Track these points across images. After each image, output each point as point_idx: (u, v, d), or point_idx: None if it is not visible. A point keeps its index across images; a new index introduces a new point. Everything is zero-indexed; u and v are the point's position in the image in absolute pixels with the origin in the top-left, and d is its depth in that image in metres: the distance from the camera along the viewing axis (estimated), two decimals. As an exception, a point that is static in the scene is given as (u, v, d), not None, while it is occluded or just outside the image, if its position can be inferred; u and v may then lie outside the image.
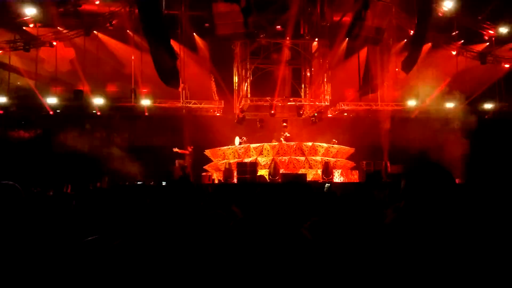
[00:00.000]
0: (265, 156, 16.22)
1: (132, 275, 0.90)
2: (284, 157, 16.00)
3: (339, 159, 16.75)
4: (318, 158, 16.21)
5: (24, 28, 17.62)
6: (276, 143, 16.65)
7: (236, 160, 16.26)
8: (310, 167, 16.02)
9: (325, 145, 16.73)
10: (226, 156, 17.07)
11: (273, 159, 15.70)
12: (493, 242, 1.68)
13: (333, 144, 17.30)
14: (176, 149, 17.00)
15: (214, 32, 16.59)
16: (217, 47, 18.65)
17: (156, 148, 19.39)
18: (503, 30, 18.61)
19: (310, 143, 16.56)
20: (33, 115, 18.16)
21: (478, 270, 1.59)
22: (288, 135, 17.50)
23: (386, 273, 1.74)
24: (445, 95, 18.57)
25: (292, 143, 16.57)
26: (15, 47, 17.31)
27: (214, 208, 3.31)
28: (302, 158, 16.16)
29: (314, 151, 16.42)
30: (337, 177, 16.30)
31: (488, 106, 19.51)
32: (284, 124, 18.65)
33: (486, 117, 19.69)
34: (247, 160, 16.08)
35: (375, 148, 19.13)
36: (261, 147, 16.40)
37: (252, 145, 16.61)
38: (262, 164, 15.76)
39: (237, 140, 17.27)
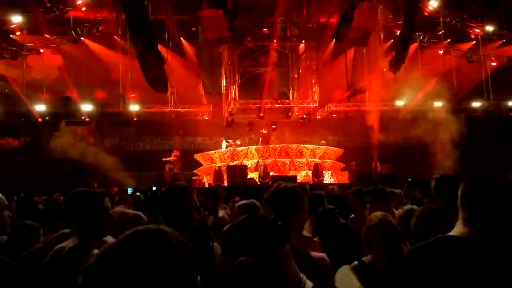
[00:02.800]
0: (251, 159, 16.24)
1: None
2: (269, 160, 16.02)
3: (326, 160, 16.76)
4: (304, 160, 16.23)
5: (11, 35, 17.59)
6: (262, 146, 16.70)
7: (223, 163, 16.28)
8: (296, 169, 16.05)
9: (310, 146, 16.76)
10: (213, 160, 17.11)
11: (257, 162, 15.75)
12: None
13: (322, 145, 17.35)
14: (164, 159, 17.07)
15: (201, 36, 16.67)
16: (204, 51, 18.72)
17: (145, 153, 19.42)
18: (489, 28, 18.70)
19: (295, 145, 16.59)
20: (22, 123, 18.10)
21: None
22: (265, 132, 17.54)
23: None
24: (433, 94, 18.63)
25: (277, 145, 16.59)
26: (2, 55, 17.27)
27: None
28: (287, 160, 16.18)
29: (299, 153, 16.43)
30: (327, 178, 16.33)
31: (476, 104, 19.58)
32: (273, 126, 18.70)
33: (475, 115, 19.77)
34: (233, 163, 16.11)
35: (365, 148, 19.19)
36: (247, 150, 16.42)
37: (238, 148, 16.65)
38: (248, 166, 15.81)
39: (224, 144, 17.33)
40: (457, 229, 1.59)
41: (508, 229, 1.53)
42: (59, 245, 2.24)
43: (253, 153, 16.43)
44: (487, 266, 1.45)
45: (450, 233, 1.60)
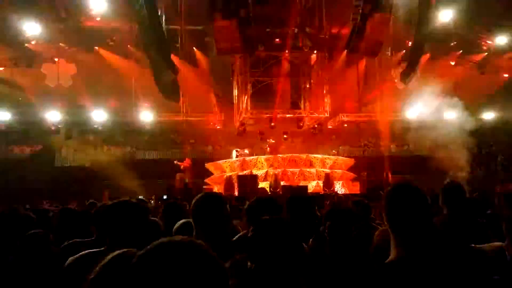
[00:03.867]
0: (260, 168, 16.21)
1: None
2: (278, 169, 15.98)
3: (336, 171, 16.66)
4: (313, 170, 16.16)
5: (26, 44, 17.80)
6: (271, 156, 16.68)
7: (232, 173, 16.27)
8: (305, 179, 15.97)
9: (319, 156, 16.69)
10: (224, 170, 17.12)
11: (266, 172, 15.70)
12: None
13: (332, 155, 17.30)
14: (176, 162, 17.07)
15: (214, 46, 16.80)
16: (216, 61, 18.84)
17: (156, 162, 19.46)
18: (501, 39, 18.65)
19: (304, 155, 16.54)
20: (35, 130, 18.26)
21: None
22: (273, 141, 17.52)
23: None
24: (445, 105, 18.55)
25: (286, 155, 16.56)
26: (17, 63, 17.49)
27: None
28: (297, 170, 16.12)
29: (309, 163, 16.37)
30: (339, 189, 16.25)
31: (488, 115, 19.48)
32: (285, 136, 18.72)
33: (487, 126, 19.64)
34: (242, 173, 16.08)
35: (377, 159, 19.12)
36: (256, 160, 16.41)
37: (247, 158, 16.64)
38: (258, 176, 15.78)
39: (234, 153, 17.35)
40: (392, 252, 1.56)
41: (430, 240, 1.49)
42: (87, 251, 2.18)
43: (262, 163, 16.41)
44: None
45: (389, 258, 1.56)
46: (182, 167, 17.07)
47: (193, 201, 2.36)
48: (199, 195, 2.41)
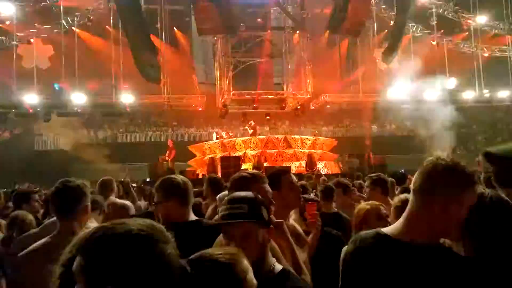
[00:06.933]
0: (238, 150, 16.18)
1: None
2: (256, 151, 15.96)
3: (315, 151, 16.71)
4: (291, 151, 16.19)
5: (0, 25, 17.26)
6: (248, 137, 16.65)
7: (212, 155, 16.22)
8: (283, 160, 15.99)
9: (297, 137, 16.70)
10: (205, 152, 17.06)
11: (244, 153, 15.69)
12: None
13: (313, 135, 17.33)
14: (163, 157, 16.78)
15: (195, 27, 16.54)
16: (198, 41, 18.59)
17: (138, 144, 19.30)
18: (481, 19, 18.80)
19: (281, 136, 16.51)
20: (12, 114, 17.81)
21: None
22: (253, 123, 17.48)
23: None
24: (426, 85, 18.70)
25: (263, 136, 16.53)
26: (-9, 45, 16.98)
27: None
28: (274, 151, 16.12)
29: (287, 143, 16.37)
30: (321, 169, 16.34)
31: (468, 94, 19.71)
32: (268, 117, 18.68)
33: (467, 105, 19.91)
34: (221, 154, 16.04)
35: (359, 139, 19.27)
36: (234, 142, 16.36)
37: (225, 140, 16.58)
38: None
39: (214, 135, 17.28)
40: (396, 228, 1.46)
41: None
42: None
43: (240, 145, 16.37)
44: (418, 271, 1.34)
45: (387, 231, 1.47)
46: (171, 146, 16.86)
47: (231, 178, 2.38)
48: (237, 174, 2.42)
